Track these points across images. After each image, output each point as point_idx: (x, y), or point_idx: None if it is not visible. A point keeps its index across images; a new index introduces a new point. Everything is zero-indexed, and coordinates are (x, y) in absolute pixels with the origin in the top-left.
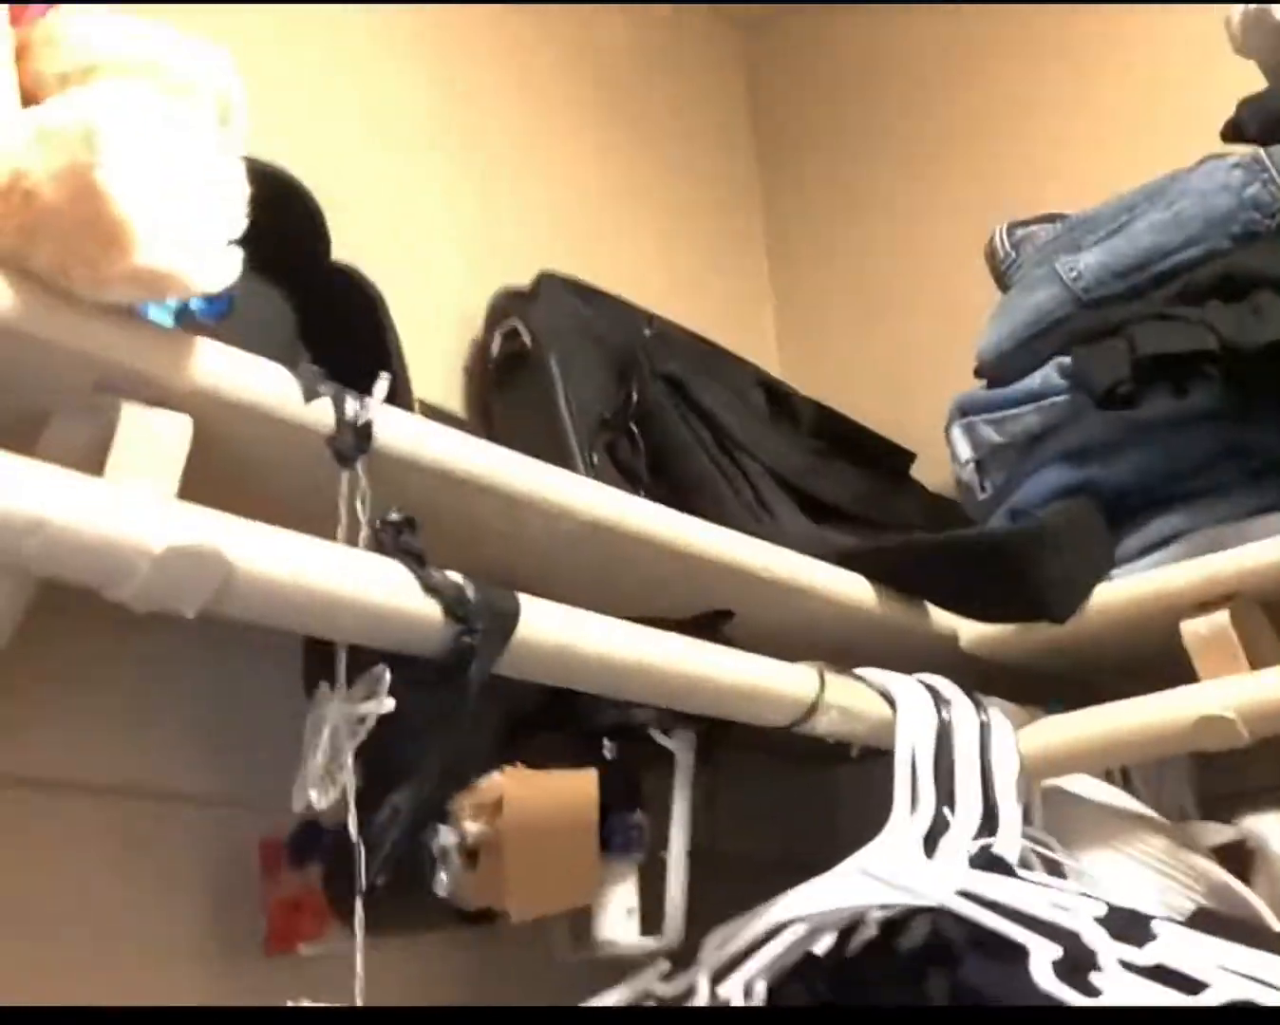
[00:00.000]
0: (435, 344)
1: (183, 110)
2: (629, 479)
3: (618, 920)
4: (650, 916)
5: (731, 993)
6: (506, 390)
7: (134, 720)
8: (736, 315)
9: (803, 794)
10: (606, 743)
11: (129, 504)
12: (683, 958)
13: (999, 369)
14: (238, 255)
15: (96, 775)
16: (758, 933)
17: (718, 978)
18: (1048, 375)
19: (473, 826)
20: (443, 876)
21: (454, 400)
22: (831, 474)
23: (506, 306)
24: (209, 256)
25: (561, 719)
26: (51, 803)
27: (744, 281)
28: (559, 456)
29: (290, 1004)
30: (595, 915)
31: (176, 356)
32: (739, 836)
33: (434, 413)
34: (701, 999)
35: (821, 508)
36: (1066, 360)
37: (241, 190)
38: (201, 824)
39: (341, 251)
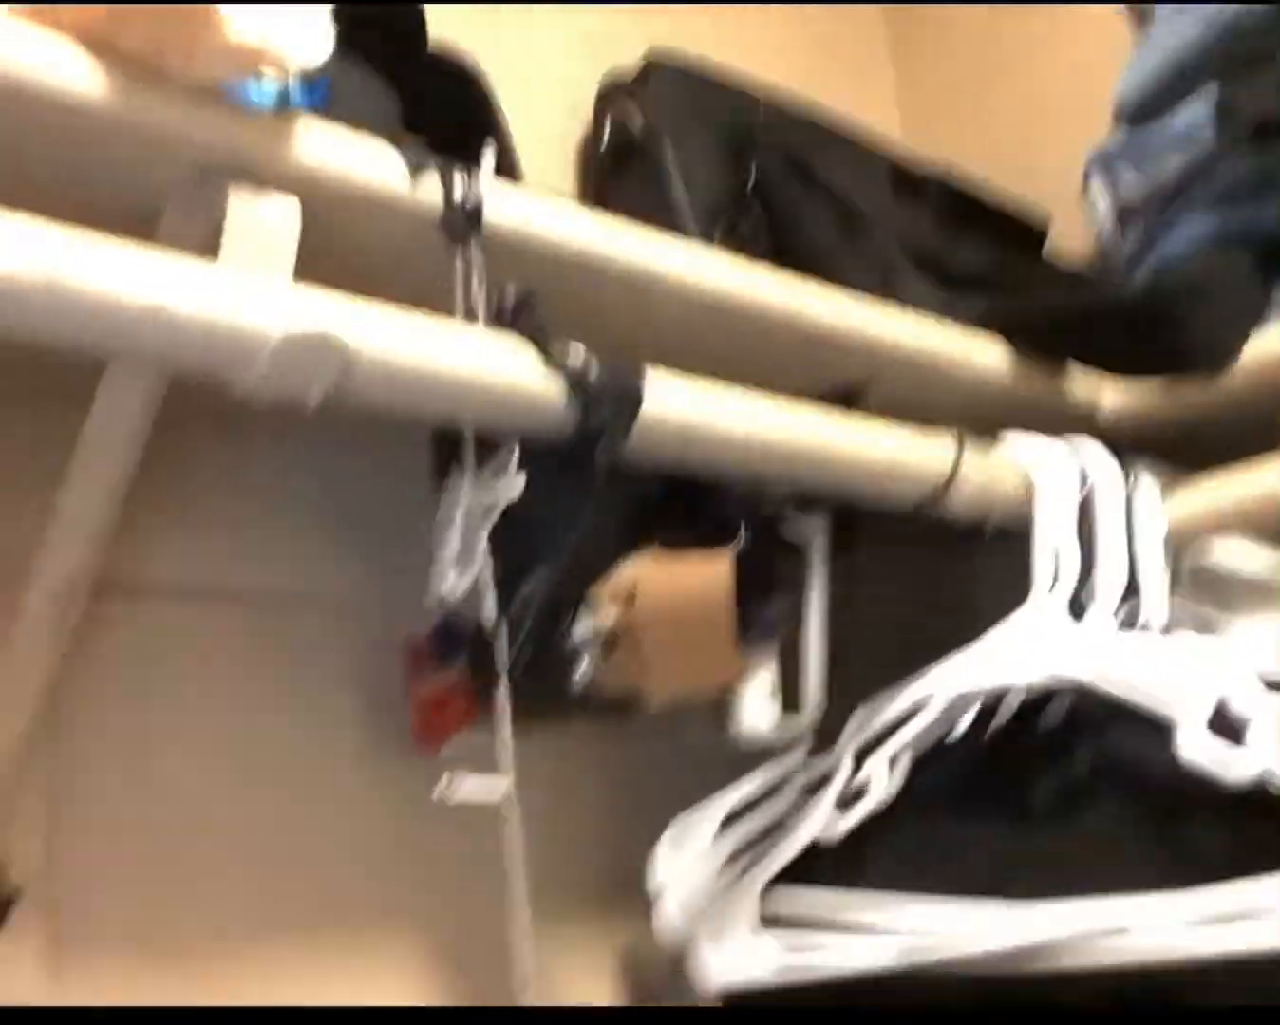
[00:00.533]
0: (544, 133)
1: None
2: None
3: (757, 705)
4: (789, 703)
5: (875, 769)
6: (619, 179)
7: (270, 526)
8: (857, 86)
9: (940, 579)
10: (738, 531)
11: (245, 290)
12: (824, 740)
13: (1140, 111)
14: (330, 28)
15: (235, 581)
16: (900, 710)
17: (861, 755)
18: (1193, 113)
19: (609, 615)
20: (582, 665)
21: (565, 191)
22: (962, 247)
23: (616, 93)
24: (302, 28)
25: (690, 510)
26: (189, 610)
27: (863, 49)
28: None
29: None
30: (734, 701)
31: (280, 137)
32: (877, 623)
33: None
34: (844, 776)
35: (953, 281)
36: (1214, 96)
37: None
38: (344, 626)
39: (442, 40)
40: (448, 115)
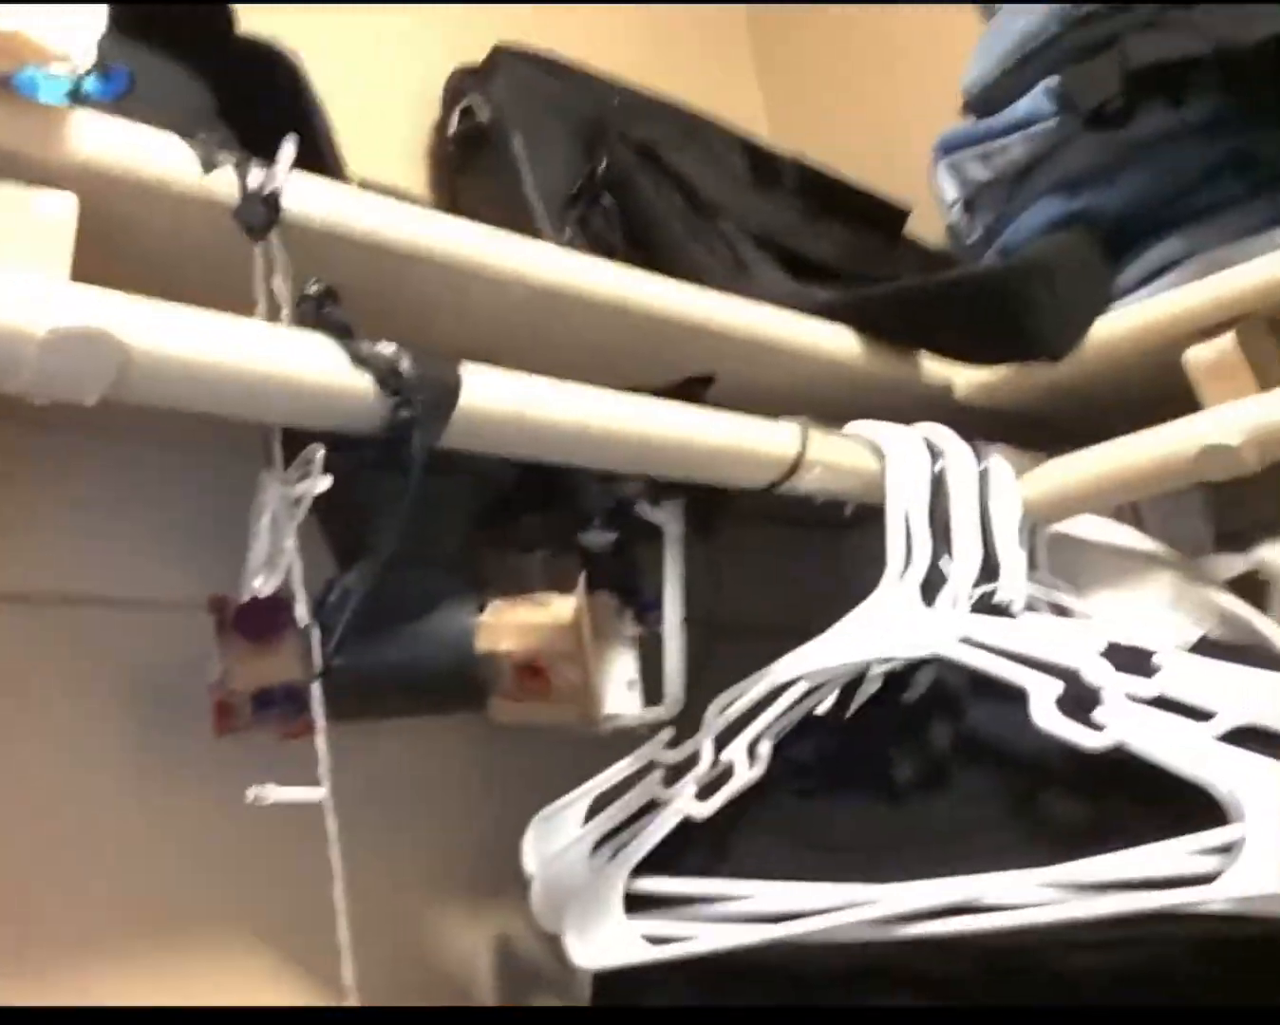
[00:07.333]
0: (394, 128)
1: None
2: (603, 251)
3: (619, 694)
4: (652, 693)
5: (735, 755)
6: (468, 171)
7: (97, 529)
8: (719, 82)
9: (813, 559)
10: (595, 520)
11: (8, 288)
12: (688, 726)
13: (986, 101)
14: (100, 12)
15: (61, 587)
16: (759, 694)
17: (722, 742)
18: (1035, 101)
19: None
20: None
21: (416, 187)
22: (818, 232)
23: (462, 84)
24: (63, 13)
25: (543, 499)
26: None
27: (725, 47)
28: (527, 233)
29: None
30: (596, 691)
31: (53, 130)
32: (747, 603)
33: (378, 190)
34: (705, 763)
35: (807, 267)
36: (1054, 83)
37: None
38: (174, 628)
39: (287, 39)
40: (264, 108)
